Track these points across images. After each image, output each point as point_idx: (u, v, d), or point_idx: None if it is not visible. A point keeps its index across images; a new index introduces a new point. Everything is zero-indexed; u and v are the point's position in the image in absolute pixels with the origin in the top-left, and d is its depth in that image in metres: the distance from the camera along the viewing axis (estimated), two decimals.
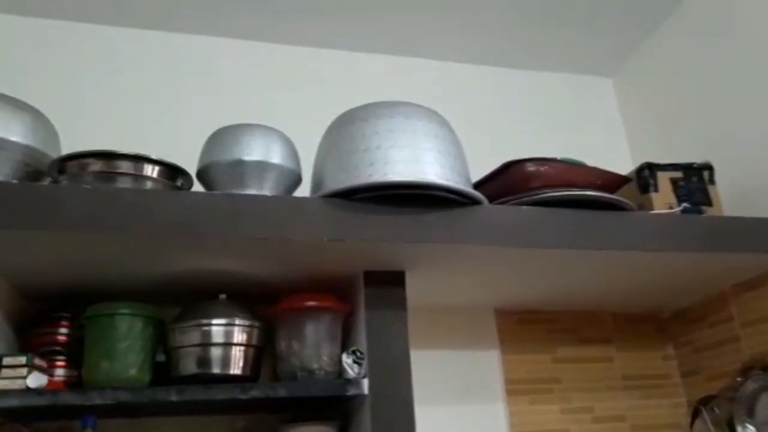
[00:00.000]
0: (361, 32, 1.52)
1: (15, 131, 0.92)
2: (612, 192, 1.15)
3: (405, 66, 1.60)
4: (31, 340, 0.99)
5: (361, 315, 1.02)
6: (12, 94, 0.97)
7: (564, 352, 1.39)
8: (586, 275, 1.19)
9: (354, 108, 1.04)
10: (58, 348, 0.97)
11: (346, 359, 0.98)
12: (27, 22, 1.37)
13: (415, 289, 1.11)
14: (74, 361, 0.98)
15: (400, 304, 1.03)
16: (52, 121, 1.01)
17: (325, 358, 1.01)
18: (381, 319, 1.01)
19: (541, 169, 1.12)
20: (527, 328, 1.38)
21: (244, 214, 0.91)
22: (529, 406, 1.32)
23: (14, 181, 0.89)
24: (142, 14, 1.40)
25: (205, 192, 1.00)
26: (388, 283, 1.05)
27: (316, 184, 1.03)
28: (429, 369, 1.28)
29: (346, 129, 1.01)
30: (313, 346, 1.01)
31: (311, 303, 1.04)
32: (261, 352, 1.05)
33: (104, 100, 1.35)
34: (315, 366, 1.00)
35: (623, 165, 1.46)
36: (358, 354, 0.99)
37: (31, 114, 0.97)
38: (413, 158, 0.97)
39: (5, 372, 0.87)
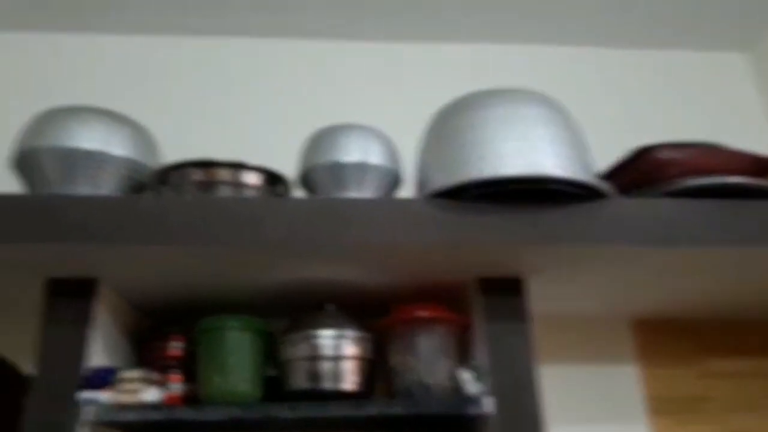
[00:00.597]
0: (452, 22, 1.42)
1: (117, 145, 0.93)
2: (762, 177, 0.98)
3: (499, 53, 1.48)
4: (145, 354, 1.00)
5: (479, 327, 0.93)
6: (111, 108, 0.98)
7: (714, 366, 1.21)
8: (739, 277, 1.02)
9: (458, 99, 0.96)
10: (172, 362, 0.96)
11: (465, 375, 0.90)
12: (122, 40, 1.41)
13: (537, 296, 1.00)
14: (189, 375, 0.96)
15: (522, 314, 0.92)
16: (151, 133, 1.02)
17: (441, 374, 0.93)
18: (501, 331, 0.91)
19: (679, 154, 0.97)
20: (670, 340, 1.22)
21: (346, 218, 0.86)
22: (675, 427, 1.15)
23: (119, 195, 0.89)
24: (229, 22, 1.40)
25: (305, 197, 0.95)
26: (507, 291, 0.95)
27: (421, 184, 0.96)
28: (558, 385, 1.15)
29: (450, 122, 0.93)
30: (428, 361, 0.93)
31: (424, 314, 0.96)
32: (373, 366, 0.98)
33: (200, 110, 1.35)
34: (431, 382, 0.92)
35: (763, 147, 1.26)
36: (479, 369, 0.90)
37: (131, 127, 0.97)
38: (528, 149, 0.86)
39: (122, 386, 0.87)
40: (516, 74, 1.45)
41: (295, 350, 0.93)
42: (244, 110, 1.36)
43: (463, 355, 0.98)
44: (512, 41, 1.49)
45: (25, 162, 0.92)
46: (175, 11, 1.36)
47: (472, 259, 0.91)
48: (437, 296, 1.02)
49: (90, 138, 0.89)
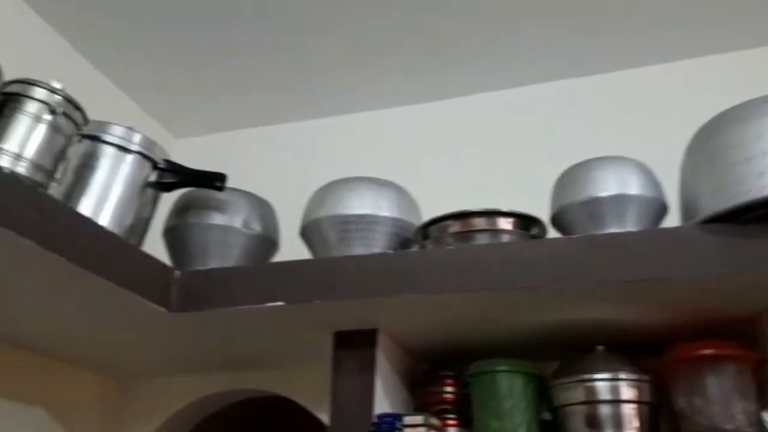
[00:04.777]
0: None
1: (384, 207, 1.03)
2: None
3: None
4: (420, 399, 1.06)
5: None
6: (375, 175, 1.09)
7: None
8: None
9: (722, 113, 0.88)
10: (447, 406, 1.01)
11: None
12: (371, 116, 1.57)
13: None
14: (464, 420, 1.00)
15: None
16: (410, 193, 1.10)
17: (740, 417, 0.83)
18: None
19: None
20: None
21: (608, 255, 0.83)
22: None
23: (390, 252, 0.97)
24: (459, 81, 1.47)
25: (564, 237, 0.95)
26: None
27: (689, 210, 0.89)
28: None
29: (716, 139, 0.85)
30: (720, 403, 0.84)
31: (711, 351, 0.87)
32: (656, 410, 0.92)
33: (448, 167, 1.43)
34: (729, 426, 0.83)
35: None
36: None
37: (394, 190, 1.07)
38: None
39: (406, 431, 0.93)
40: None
41: (569, 395, 0.91)
42: (487, 161, 1.41)
43: (762, 396, 0.87)
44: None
45: (310, 231, 1.06)
46: (414, 81, 1.47)
47: (758, 288, 0.81)
48: (720, 331, 0.91)
49: (361, 204, 1.01)
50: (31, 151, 0.79)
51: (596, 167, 0.94)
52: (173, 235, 1.09)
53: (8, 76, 0.80)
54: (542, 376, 0.97)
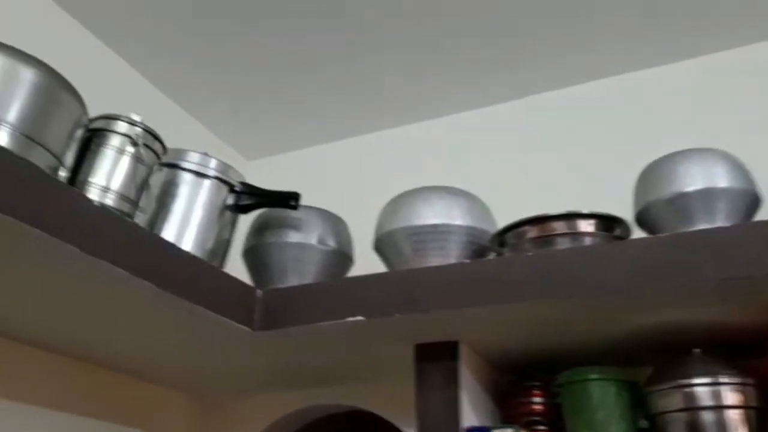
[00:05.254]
0: None
1: (456, 215, 1.01)
2: None
3: None
4: (507, 411, 1.03)
5: None
6: (444, 183, 1.08)
7: None
8: None
9: None
10: (536, 417, 0.98)
11: None
12: (435, 124, 1.56)
13: None
14: (555, 430, 0.97)
15: None
16: (483, 200, 1.08)
17: None
18: None
19: None
20: None
21: (699, 253, 0.78)
22: None
23: (466, 262, 0.96)
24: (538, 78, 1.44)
25: (649, 237, 0.90)
26: None
27: None
28: None
29: None
30: None
31: None
32: (765, 416, 0.86)
33: (520, 170, 1.40)
34: None
35: None
36: None
37: (466, 197, 1.05)
38: None
39: None
40: None
41: (666, 401, 0.87)
42: (558, 162, 1.37)
43: None
44: None
45: (383, 243, 1.06)
46: (478, 85, 1.46)
47: None
48: None
49: (433, 214, 1.00)
50: (116, 182, 0.82)
51: (681, 161, 0.90)
52: (252, 255, 1.12)
53: (89, 112, 0.84)
54: (636, 383, 0.93)
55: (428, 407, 0.95)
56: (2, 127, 0.70)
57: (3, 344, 0.98)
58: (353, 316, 0.92)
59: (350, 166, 1.62)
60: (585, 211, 0.92)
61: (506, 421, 1.01)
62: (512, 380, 1.05)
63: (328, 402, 1.27)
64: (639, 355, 0.99)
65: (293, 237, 1.10)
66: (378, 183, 1.49)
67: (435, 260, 0.98)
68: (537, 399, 0.99)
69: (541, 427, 0.98)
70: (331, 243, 1.12)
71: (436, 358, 0.97)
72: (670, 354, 0.92)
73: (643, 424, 0.90)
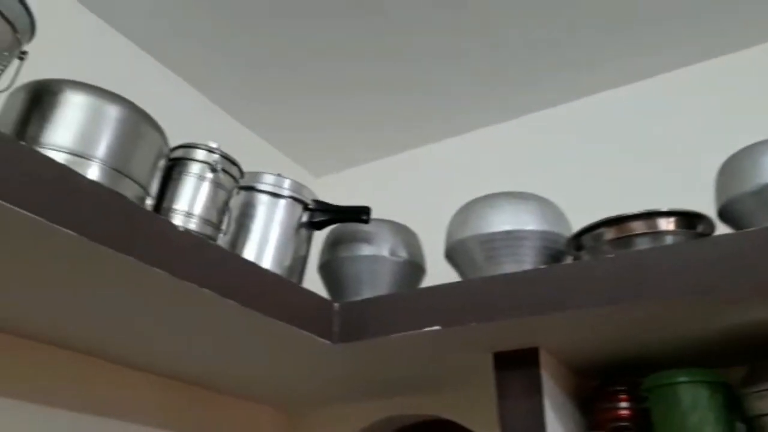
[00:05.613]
0: None
1: (528, 221, 1.00)
2: None
3: None
4: (594, 417, 1.01)
5: None
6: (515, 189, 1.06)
7: None
8: None
9: None
10: (624, 423, 0.95)
11: None
12: (506, 126, 1.54)
13: None
14: None
15: None
16: (555, 203, 1.07)
17: None
18: None
19: None
20: None
21: None
22: None
23: (542, 267, 0.95)
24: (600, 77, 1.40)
25: (734, 233, 0.87)
26: None
27: None
28: None
29: None
30: None
31: None
32: None
33: (588, 172, 1.37)
34: None
35: None
36: None
37: (537, 201, 1.04)
38: None
39: None
40: None
41: (765, 403, 0.83)
42: (628, 160, 1.34)
43: None
44: None
45: (455, 252, 1.06)
46: (537, 87, 1.44)
47: None
48: None
49: (504, 220, 0.99)
50: (199, 207, 0.86)
51: (764, 151, 0.86)
52: (327, 270, 1.14)
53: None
54: (728, 384, 0.89)
55: (511, 416, 0.94)
56: (93, 162, 0.75)
57: (102, 366, 1.05)
58: (430, 326, 0.93)
59: (416, 177, 1.63)
60: (665, 208, 0.89)
61: (592, 428, 0.98)
62: (596, 385, 1.03)
63: (408, 412, 1.27)
64: (729, 355, 0.95)
65: (366, 250, 1.12)
66: (445, 191, 1.50)
67: (509, 267, 0.98)
68: (623, 404, 0.96)
69: None
70: (403, 254, 1.13)
71: (516, 366, 0.96)
72: (763, 354, 0.88)
73: (741, 428, 0.86)
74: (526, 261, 0.98)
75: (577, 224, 0.99)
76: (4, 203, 0.58)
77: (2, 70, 0.72)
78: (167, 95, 1.39)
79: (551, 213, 1.02)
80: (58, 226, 0.63)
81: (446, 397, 1.23)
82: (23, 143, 0.66)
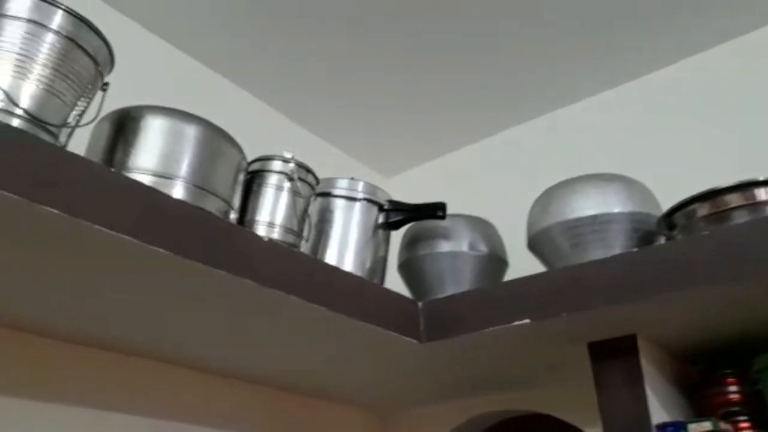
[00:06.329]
0: None
1: (614, 203, 0.96)
2: None
3: None
4: (701, 403, 0.95)
5: None
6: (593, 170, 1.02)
7: None
8: None
9: None
10: (735, 408, 0.90)
11: None
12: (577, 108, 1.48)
13: None
14: (760, 421, 0.88)
15: None
16: (642, 183, 1.02)
17: None
18: None
19: None
20: None
21: None
22: None
23: (634, 251, 0.91)
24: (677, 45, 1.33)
25: None
26: None
27: None
28: None
29: None
30: None
31: None
32: None
33: (672, 147, 1.31)
34: None
35: None
36: None
37: (622, 182, 1.00)
38: None
39: None
40: None
41: None
42: (723, 129, 1.26)
43: None
44: None
45: (538, 242, 1.03)
46: (610, 61, 1.39)
47: None
48: None
49: (589, 205, 0.95)
50: (279, 217, 0.88)
51: None
52: (408, 269, 1.14)
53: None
54: None
55: (613, 407, 0.90)
56: (177, 181, 0.77)
57: (196, 377, 1.08)
58: (519, 319, 0.91)
59: (487, 168, 1.60)
60: (761, 177, 0.83)
61: (700, 415, 0.93)
62: (701, 370, 0.97)
63: (501, 408, 1.25)
64: None
65: (445, 246, 1.10)
66: (518, 180, 1.46)
67: (597, 253, 0.94)
68: (733, 388, 0.91)
69: (742, 418, 0.89)
70: (483, 248, 1.11)
71: (613, 355, 0.92)
72: None
73: None
74: (615, 245, 0.94)
75: (666, 203, 0.94)
76: (99, 227, 0.61)
77: (88, 103, 0.76)
78: (236, 109, 1.43)
79: (638, 193, 0.98)
80: (150, 246, 0.65)
81: (540, 391, 1.20)
82: (112, 169, 0.69)
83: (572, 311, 0.87)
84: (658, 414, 0.90)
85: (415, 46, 1.34)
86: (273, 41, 1.33)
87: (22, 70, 0.67)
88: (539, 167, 1.46)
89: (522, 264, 1.12)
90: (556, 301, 0.89)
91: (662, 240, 0.95)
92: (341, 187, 1.02)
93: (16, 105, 0.66)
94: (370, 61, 1.38)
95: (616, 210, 0.95)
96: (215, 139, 0.81)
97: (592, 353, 0.94)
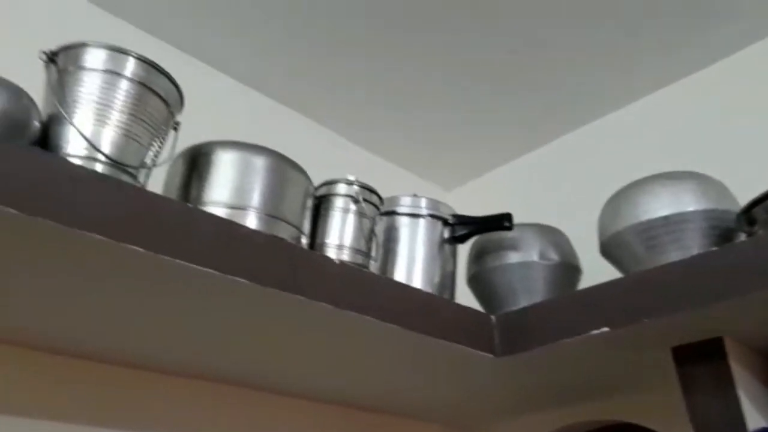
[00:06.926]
0: None
1: (688, 201, 0.93)
2: None
3: None
4: None
5: None
6: (660, 170, 0.99)
7: None
8: None
9: None
10: None
11: None
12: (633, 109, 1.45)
13: None
14: None
15: None
16: (714, 178, 0.98)
17: None
18: None
19: None
20: None
21: None
22: None
23: (713, 250, 0.87)
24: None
25: None
26: None
27: None
28: None
29: None
30: None
31: None
32: None
33: (739, 139, 1.25)
34: None
35: None
36: None
37: (694, 179, 0.96)
38: None
39: None
40: None
41: None
42: None
43: None
44: None
45: (611, 247, 1.00)
46: (668, 58, 1.35)
47: None
48: None
49: (661, 205, 0.92)
50: (348, 238, 0.90)
51: None
52: (477, 282, 1.13)
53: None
54: None
55: (704, 413, 0.87)
56: (250, 211, 0.80)
57: (274, 399, 1.11)
58: (597, 328, 0.88)
59: (548, 175, 1.58)
60: None
61: None
62: None
63: (584, 419, 1.22)
64: None
65: (514, 257, 1.09)
66: (583, 185, 1.44)
67: (674, 255, 0.91)
68: None
69: None
70: (554, 256, 1.09)
71: (699, 360, 0.89)
72: None
73: None
74: (692, 246, 0.91)
75: (742, 198, 0.90)
76: (180, 261, 0.64)
77: (162, 142, 0.80)
78: (295, 134, 1.47)
79: (713, 189, 0.94)
80: (230, 276, 0.67)
81: (623, 400, 1.16)
82: (189, 204, 0.72)
83: (653, 317, 0.84)
84: (754, 417, 0.85)
85: (467, 58, 1.35)
86: (328, 64, 1.36)
87: (101, 118, 0.72)
88: (601, 171, 1.43)
89: (595, 271, 1.10)
90: (635, 307, 0.86)
91: (742, 237, 0.91)
92: (405, 204, 1.03)
93: (99, 151, 0.70)
94: (423, 76, 1.39)
95: (690, 209, 0.91)
96: (283, 168, 0.84)
97: (677, 358, 0.91)
